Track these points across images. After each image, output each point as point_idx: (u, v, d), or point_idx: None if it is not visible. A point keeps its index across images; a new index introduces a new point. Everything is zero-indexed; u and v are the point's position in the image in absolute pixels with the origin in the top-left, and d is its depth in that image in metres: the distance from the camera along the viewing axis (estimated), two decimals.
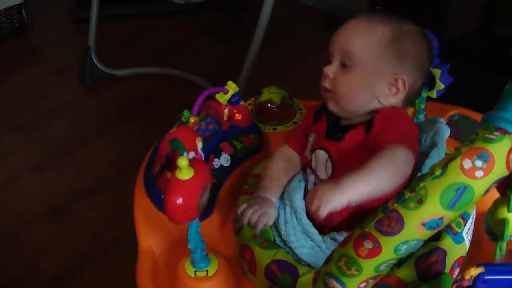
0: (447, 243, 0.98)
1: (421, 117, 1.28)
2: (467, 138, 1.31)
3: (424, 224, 0.73)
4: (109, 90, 2.41)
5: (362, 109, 1.08)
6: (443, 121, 1.14)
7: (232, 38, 2.65)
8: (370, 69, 1.05)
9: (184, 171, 0.84)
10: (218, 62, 2.51)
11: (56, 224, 1.85)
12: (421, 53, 1.09)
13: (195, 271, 0.97)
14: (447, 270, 0.98)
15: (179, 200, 0.84)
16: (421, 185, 0.73)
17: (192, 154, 1.05)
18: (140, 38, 2.73)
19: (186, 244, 0.96)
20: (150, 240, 1.14)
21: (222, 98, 1.24)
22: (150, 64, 2.48)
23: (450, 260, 0.98)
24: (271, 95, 1.39)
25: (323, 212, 0.89)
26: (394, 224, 0.74)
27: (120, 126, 2.22)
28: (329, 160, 1.07)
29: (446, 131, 1.12)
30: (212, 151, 1.21)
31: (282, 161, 1.16)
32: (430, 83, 1.23)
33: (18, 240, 1.79)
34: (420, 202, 0.73)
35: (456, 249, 1.00)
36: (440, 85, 1.22)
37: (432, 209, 0.72)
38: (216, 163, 1.21)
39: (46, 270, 1.70)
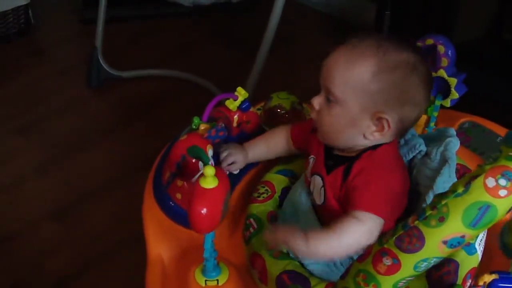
0: (459, 254, 0.97)
1: (432, 124, 1.28)
2: (477, 146, 1.33)
3: (445, 242, 0.72)
4: (115, 91, 2.40)
5: (349, 144, 1.05)
6: (453, 132, 1.12)
7: (239, 41, 2.64)
8: (352, 107, 1.01)
9: (209, 180, 0.84)
10: (225, 65, 2.51)
11: (61, 226, 1.83)
12: (411, 86, 1.01)
13: (205, 280, 0.96)
14: (459, 281, 0.97)
15: (204, 210, 0.84)
16: (443, 202, 0.72)
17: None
18: (147, 40, 2.72)
19: (195, 252, 0.96)
20: (159, 248, 1.12)
21: (231, 104, 1.23)
22: (156, 66, 2.47)
23: (462, 272, 0.97)
24: (280, 100, 1.38)
25: (277, 247, 0.99)
26: (414, 242, 0.73)
27: (126, 128, 2.21)
28: (323, 188, 1.06)
29: (456, 145, 1.10)
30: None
31: (274, 137, 1.19)
32: (445, 92, 1.22)
33: (23, 242, 1.78)
34: (442, 220, 0.71)
35: (468, 261, 0.99)
36: (455, 95, 1.21)
37: (454, 227, 0.71)
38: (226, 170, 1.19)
39: (51, 273, 1.69)
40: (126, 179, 1.98)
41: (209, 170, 0.84)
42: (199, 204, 0.84)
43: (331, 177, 1.04)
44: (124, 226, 1.79)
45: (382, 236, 0.78)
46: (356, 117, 1.01)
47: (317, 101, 1.05)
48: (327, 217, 1.06)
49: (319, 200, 1.08)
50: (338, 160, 1.05)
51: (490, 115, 1.42)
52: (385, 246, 0.76)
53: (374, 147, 1.03)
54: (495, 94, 1.95)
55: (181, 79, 2.41)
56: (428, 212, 0.73)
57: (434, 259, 0.75)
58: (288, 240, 0.95)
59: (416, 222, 0.74)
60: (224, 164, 1.14)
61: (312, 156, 1.11)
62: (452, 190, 0.72)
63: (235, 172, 1.19)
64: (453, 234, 0.72)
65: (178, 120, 2.15)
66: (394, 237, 0.75)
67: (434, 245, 0.73)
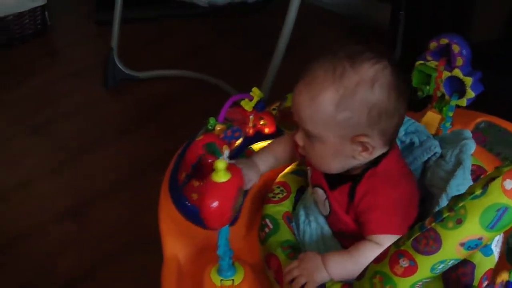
0: (476, 255, 0.97)
1: (448, 125, 1.27)
2: (493, 146, 1.32)
3: (462, 244, 0.72)
4: (129, 93, 2.41)
5: (342, 169, 1.03)
6: (469, 134, 1.12)
7: (255, 42, 2.65)
8: (329, 140, 0.99)
9: (221, 174, 0.84)
10: (240, 65, 2.51)
11: (72, 227, 1.85)
12: (378, 100, 0.97)
13: (221, 280, 0.96)
14: (475, 283, 0.97)
15: (215, 203, 0.84)
16: (460, 204, 0.71)
17: None
18: (162, 40, 2.74)
19: (211, 251, 0.95)
20: (175, 248, 1.13)
21: (247, 105, 1.23)
22: (172, 67, 2.48)
23: (479, 273, 0.97)
24: None
25: None
26: (431, 243, 0.72)
27: (141, 129, 2.22)
28: (327, 200, 1.06)
29: (472, 148, 1.09)
30: (237, 158, 1.20)
31: (281, 146, 1.16)
32: (460, 91, 1.21)
33: (31, 243, 1.79)
34: (459, 222, 0.71)
35: (485, 262, 0.98)
36: (471, 94, 1.21)
37: (471, 229, 0.71)
38: None
39: (59, 274, 1.70)
40: (135, 181, 1.99)
41: (220, 164, 0.84)
42: (209, 198, 0.85)
43: (337, 193, 1.04)
44: (135, 227, 1.80)
45: (399, 238, 0.77)
46: (337, 147, 1.00)
47: (298, 137, 1.04)
48: (336, 224, 1.07)
49: (324, 211, 1.08)
50: (341, 176, 1.04)
51: (507, 115, 1.41)
52: (402, 248, 0.75)
53: (375, 163, 1.02)
54: (510, 94, 1.93)
55: (196, 79, 2.42)
56: (445, 214, 0.72)
57: (452, 261, 0.74)
58: (308, 274, 0.96)
59: (433, 224, 0.73)
60: None
61: (308, 168, 1.12)
62: (470, 192, 0.71)
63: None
64: (471, 236, 0.71)
65: (190, 121, 2.14)
66: (411, 239, 0.75)
67: (451, 247, 0.72)
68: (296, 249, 1.06)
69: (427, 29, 2.19)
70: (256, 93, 1.23)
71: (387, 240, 0.93)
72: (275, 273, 1.03)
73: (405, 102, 1.02)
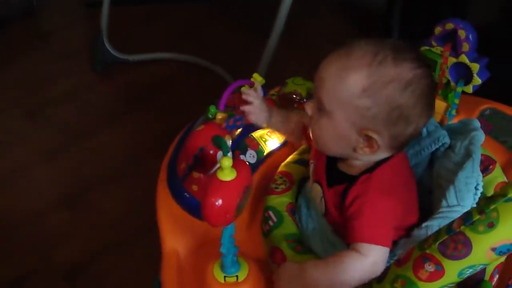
0: None
1: (454, 112, 1.24)
2: (499, 133, 1.30)
3: (494, 249, 0.68)
4: (122, 76, 2.37)
5: (341, 155, 1.01)
6: (478, 124, 1.09)
7: (249, 25, 2.60)
8: (338, 120, 0.96)
9: (227, 172, 0.80)
10: (235, 49, 2.47)
11: (69, 215, 1.82)
12: (404, 104, 0.94)
13: (224, 276, 0.93)
14: (486, 277, 0.95)
15: (219, 202, 0.80)
16: (492, 207, 0.68)
17: (220, 154, 1.00)
18: (155, 22, 2.68)
19: (212, 246, 0.93)
20: (174, 241, 1.09)
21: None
22: (164, 50, 2.44)
23: (490, 267, 0.94)
24: (296, 86, 1.34)
25: None
26: (460, 248, 0.69)
27: (133, 113, 2.19)
28: (323, 199, 1.02)
29: (481, 139, 1.06)
30: (237, 147, 1.16)
31: (294, 119, 1.15)
32: (467, 78, 1.18)
33: (30, 231, 1.77)
34: (491, 226, 0.67)
35: None
36: (477, 80, 1.18)
37: (504, 233, 0.67)
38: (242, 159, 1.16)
39: (60, 263, 1.69)
40: (135, 166, 1.97)
41: (226, 162, 0.80)
42: (213, 196, 0.81)
43: (332, 192, 1.01)
44: (133, 214, 1.79)
45: (424, 241, 0.74)
46: (343, 131, 0.96)
47: (309, 107, 1.01)
48: (332, 223, 1.03)
49: (320, 210, 1.04)
50: (340, 175, 1.01)
51: (504, 99, 1.39)
52: (427, 251, 0.72)
53: (373, 169, 0.98)
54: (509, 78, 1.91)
55: (189, 63, 2.38)
56: (476, 217, 0.68)
57: (481, 266, 0.71)
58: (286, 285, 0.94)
59: (462, 227, 0.69)
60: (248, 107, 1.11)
61: (312, 161, 1.08)
62: (502, 194, 0.68)
63: (253, 162, 1.16)
64: (503, 241, 0.68)
65: (183, 105, 2.14)
66: (437, 243, 0.71)
67: (482, 252, 0.69)
68: (301, 242, 1.03)
69: (424, 12, 2.16)
70: (257, 79, 1.18)
71: (373, 252, 0.90)
72: (279, 267, 1.00)
73: (427, 118, 1.00)
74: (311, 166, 1.08)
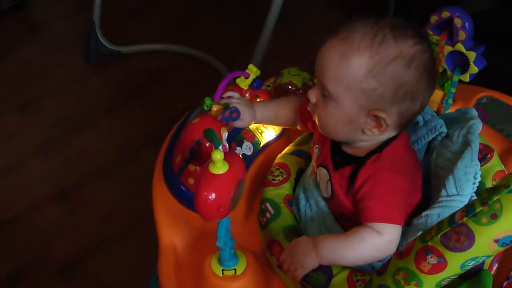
0: None
1: (450, 101, 1.23)
2: (496, 121, 1.29)
3: (497, 241, 0.67)
4: (115, 68, 2.35)
5: (349, 139, 1.00)
6: (475, 113, 1.08)
7: (242, 15, 2.58)
8: (346, 104, 0.95)
9: (219, 165, 0.79)
10: (228, 39, 2.45)
11: (64, 209, 1.82)
12: (409, 80, 0.94)
13: (222, 270, 0.92)
14: (486, 267, 0.94)
15: (212, 196, 0.78)
16: (495, 198, 0.67)
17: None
18: (147, 13, 2.66)
19: (209, 239, 0.91)
20: (171, 235, 1.08)
21: (243, 83, 1.18)
22: (157, 41, 2.42)
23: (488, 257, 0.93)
24: (291, 77, 1.32)
25: (298, 277, 0.95)
26: (463, 240, 0.68)
27: (127, 105, 2.18)
28: (329, 182, 1.02)
29: (479, 128, 1.06)
30: (233, 139, 1.15)
31: (286, 105, 1.15)
32: (463, 66, 1.17)
33: (25, 226, 1.76)
34: (495, 217, 0.66)
35: None
36: (474, 69, 1.16)
37: (508, 225, 0.66)
38: (238, 151, 1.16)
39: (56, 257, 1.68)
40: (128, 159, 1.97)
41: (217, 154, 0.78)
42: (205, 190, 0.79)
43: (338, 174, 1.00)
44: (129, 207, 1.78)
45: (425, 232, 0.73)
46: (352, 114, 0.96)
47: (313, 94, 1.00)
48: (337, 208, 1.03)
49: (326, 193, 1.04)
50: (346, 157, 1.01)
51: (503, 88, 1.38)
52: (430, 243, 0.71)
53: (381, 148, 0.98)
54: (506, 67, 1.90)
55: (182, 54, 2.36)
56: (479, 208, 0.67)
57: (483, 258, 0.70)
58: (298, 260, 0.95)
59: (465, 219, 0.68)
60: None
61: (317, 146, 1.07)
62: (506, 185, 0.67)
63: (249, 154, 1.14)
64: (506, 232, 0.67)
65: (178, 96, 2.13)
66: (439, 234, 0.70)
67: (485, 243, 0.68)
68: (299, 234, 1.02)
69: (419, 1, 2.15)
70: (252, 70, 1.17)
71: (389, 231, 0.92)
72: (278, 259, 1.00)
73: (430, 92, 1.00)
74: (316, 151, 1.07)
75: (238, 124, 1.09)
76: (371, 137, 0.98)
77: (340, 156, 1.01)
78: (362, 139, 0.99)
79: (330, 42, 0.96)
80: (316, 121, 1.01)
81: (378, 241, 0.92)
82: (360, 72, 0.93)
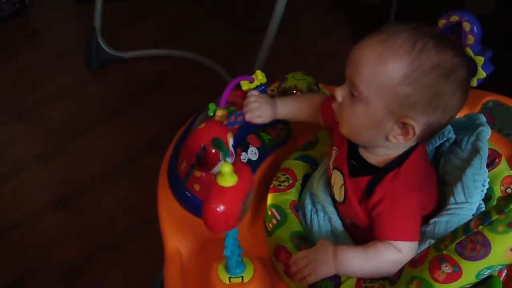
0: None
1: None
2: (502, 126, 1.28)
3: None
4: (116, 73, 2.34)
5: (370, 143, 0.98)
6: (483, 119, 1.07)
7: (242, 20, 2.57)
8: (375, 107, 0.93)
9: (227, 178, 0.77)
10: (229, 44, 2.45)
11: (64, 216, 1.81)
12: (445, 92, 0.92)
13: (229, 277, 0.91)
14: (495, 273, 0.92)
15: (220, 208, 0.77)
16: (511, 206, 0.65)
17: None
18: (148, 18, 2.66)
19: (215, 246, 0.90)
20: (177, 242, 1.06)
21: (246, 86, 1.17)
22: (158, 46, 2.41)
23: None
24: (296, 81, 1.31)
25: (308, 283, 0.94)
26: (478, 248, 0.67)
27: (128, 111, 2.17)
28: (343, 187, 1.00)
29: (487, 134, 1.05)
30: (239, 144, 1.14)
31: (308, 101, 1.15)
32: (471, 71, 1.16)
33: (25, 233, 1.75)
34: (511, 225, 0.65)
35: None
36: (482, 74, 1.15)
37: None
38: (244, 157, 1.14)
39: (57, 264, 1.67)
40: (130, 164, 1.96)
41: (226, 167, 0.76)
42: (213, 202, 0.78)
43: (353, 182, 0.98)
44: (130, 213, 1.77)
45: (440, 241, 0.71)
46: (380, 118, 0.94)
47: (340, 93, 0.97)
48: (347, 213, 1.02)
49: (339, 197, 1.02)
50: (362, 164, 0.99)
51: (503, 92, 1.37)
52: (444, 252, 0.69)
53: (400, 162, 0.96)
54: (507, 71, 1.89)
55: (184, 59, 2.35)
56: (494, 217, 0.66)
57: (499, 266, 0.69)
58: (313, 267, 0.94)
59: (481, 227, 0.67)
60: (249, 115, 1.09)
61: (335, 148, 1.05)
62: None
63: (254, 159, 1.13)
64: None
65: (180, 101, 2.11)
66: (454, 243, 0.69)
67: (501, 252, 0.67)
68: (306, 240, 1.01)
69: (421, 4, 2.14)
70: (258, 77, 1.16)
71: (405, 247, 0.91)
72: (284, 266, 0.99)
73: (460, 108, 0.98)
74: (333, 153, 1.05)
75: (258, 120, 1.10)
76: (393, 145, 0.96)
77: (355, 160, 1.00)
78: (383, 145, 0.97)
79: (368, 42, 0.94)
80: (340, 121, 0.99)
81: (397, 257, 0.91)
82: (396, 76, 0.91)
